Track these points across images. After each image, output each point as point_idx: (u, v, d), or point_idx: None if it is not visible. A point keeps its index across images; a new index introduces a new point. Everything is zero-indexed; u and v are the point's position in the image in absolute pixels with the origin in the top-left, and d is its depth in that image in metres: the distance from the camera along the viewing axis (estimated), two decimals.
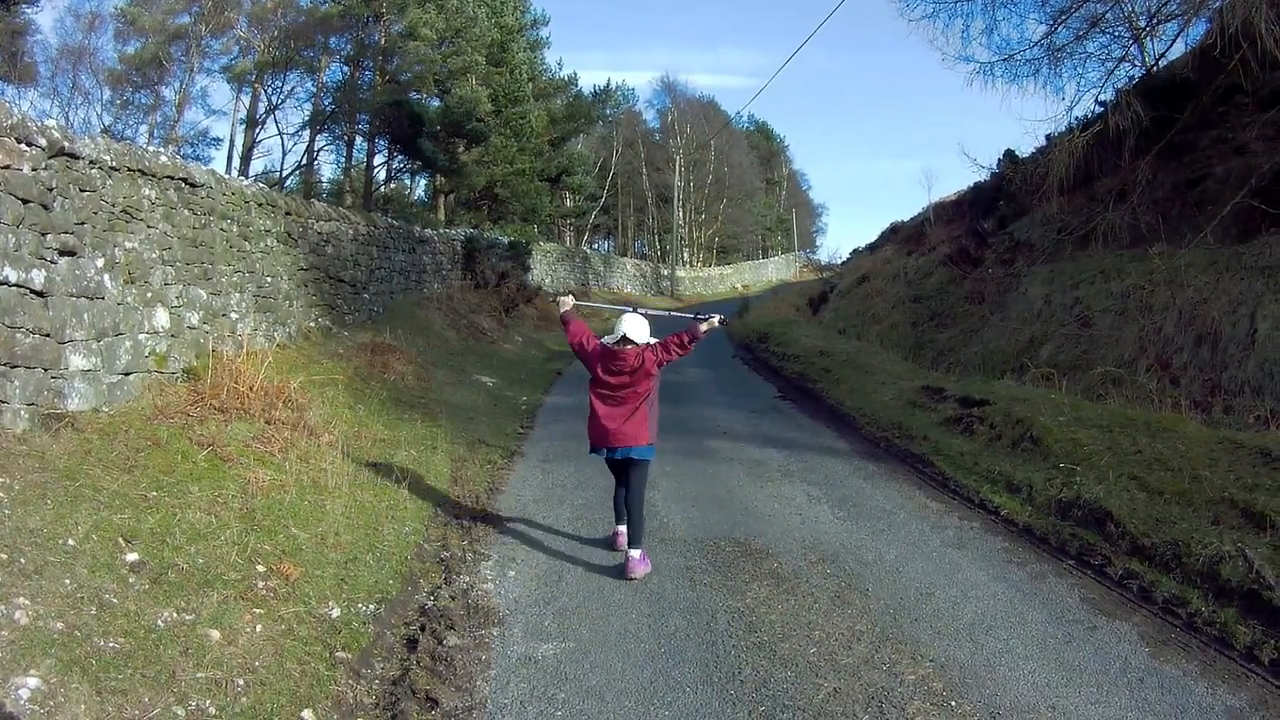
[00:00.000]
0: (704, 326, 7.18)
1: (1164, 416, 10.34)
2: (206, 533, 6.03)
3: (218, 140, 58.28)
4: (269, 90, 33.94)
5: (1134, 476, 8.42)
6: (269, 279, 12.54)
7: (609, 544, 7.51)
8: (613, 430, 6.87)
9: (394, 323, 17.78)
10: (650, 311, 7.80)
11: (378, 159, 34.59)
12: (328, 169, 49.76)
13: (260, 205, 12.52)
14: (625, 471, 7.11)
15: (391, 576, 6.50)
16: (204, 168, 10.89)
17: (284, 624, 5.28)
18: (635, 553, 6.84)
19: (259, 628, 5.11)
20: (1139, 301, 14.66)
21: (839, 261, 65.67)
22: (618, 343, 6.94)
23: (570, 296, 7.73)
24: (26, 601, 4.36)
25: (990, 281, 21.86)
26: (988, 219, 25.73)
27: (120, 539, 5.42)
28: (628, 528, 6.99)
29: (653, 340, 7.02)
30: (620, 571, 6.77)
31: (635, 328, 6.95)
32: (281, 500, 7.14)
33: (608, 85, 48.50)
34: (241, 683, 4.52)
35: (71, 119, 30.75)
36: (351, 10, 30.03)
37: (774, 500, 8.99)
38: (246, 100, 34.04)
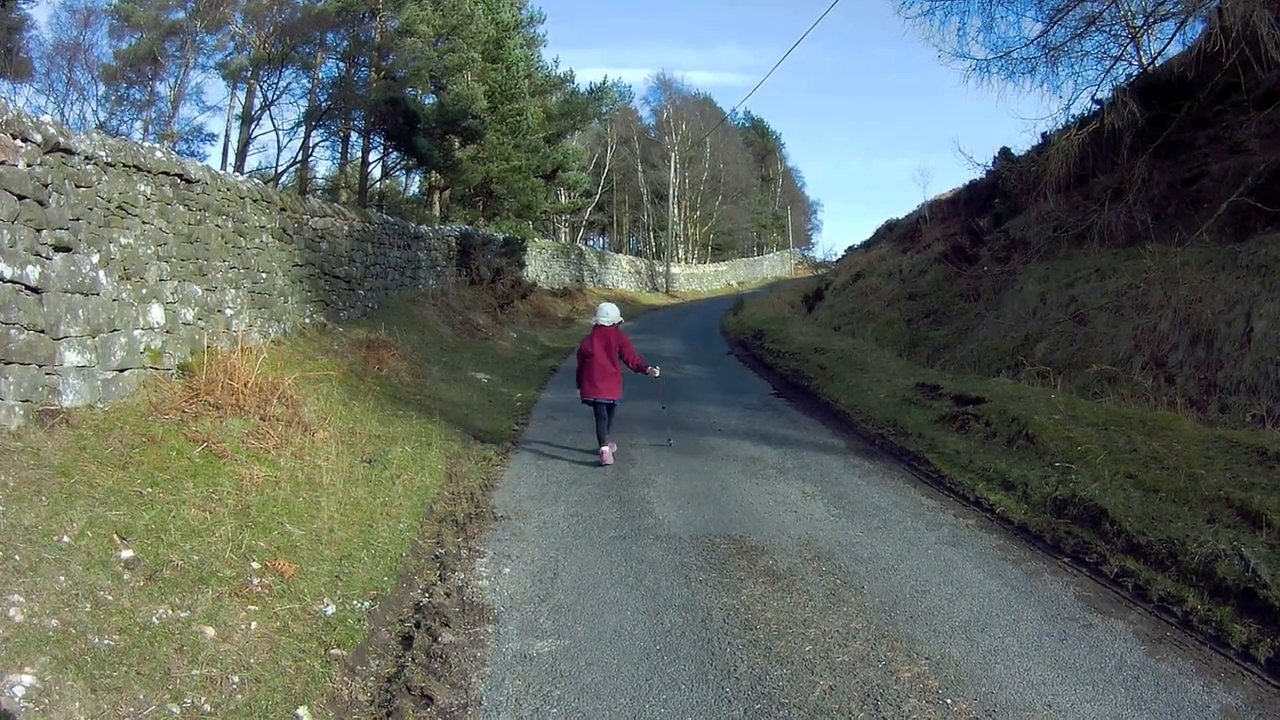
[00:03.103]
0: (649, 370, 11.07)
1: (1159, 415, 10.36)
2: (201, 529, 6.02)
3: (213, 136, 58.16)
4: (264, 86, 33.80)
5: (1129, 474, 8.43)
6: (264, 275, 12.52)
7: (597, 461, 10.60)
8: (600, 387, 10.63)
9: (389, 319, 17.76)
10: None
11: (373, 155, 34.45)
12: (323, 165, 49.86)
13: (255, 201, 12.49)
14: (604, 410, 10.73)
15: (386, 573, 6.49)
16: (199, 164, 10.85)
17: (279, 621, 5.27)
18: (606, 448, 10.64)
19: (254, 625, 5.11)
20: (1134, 299, 14.67)
21: (834, 259, 65.73)
22: (597, 326, 10.88)
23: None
24: (21, 599, 4.35)
25: (986, 279, 21.87)
26: (983, 217, 25.75)
27: (115, 536, 5.41)
28: (603, 434, 10.71)
29: (621, 322, 11.08)
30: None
31: (605, 313, 10.96)
32: (276, 497, 7.13)
33: (604, 82, 48.28)
34: (236, 680, 4.52)
35: (67, 115, 30.66)
36: (348, 6, 29.90)
37: (769, 497, 8.99)
38: (242, 96, 33.91)
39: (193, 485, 6.68)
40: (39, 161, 6.91)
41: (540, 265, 39.21)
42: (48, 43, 31.36)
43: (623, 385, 10.88)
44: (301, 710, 4.45)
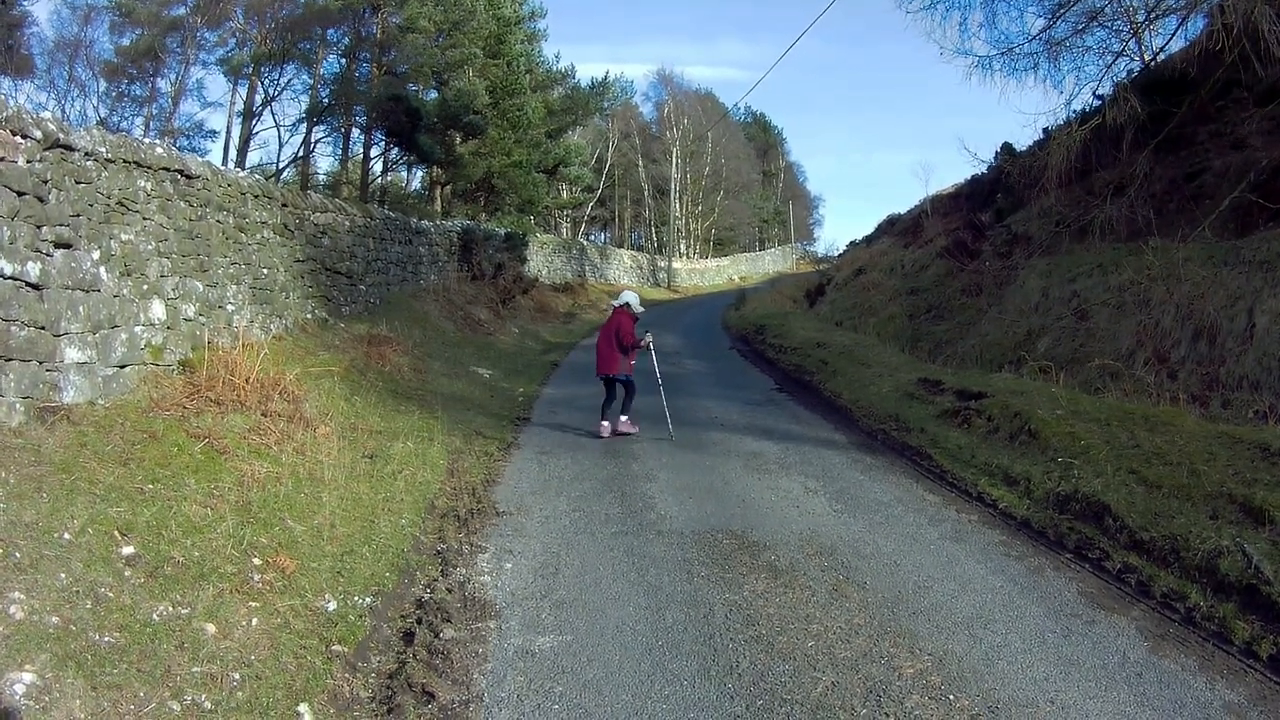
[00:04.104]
0: (641, 344, 11.90)
1: (1162, 410, 10.33)
2: (202, 525, 6.02)
3: (214, 132, 57.88)
4: (266, 82, 33.74)
5: (1132, 470, 8.41)
6: (265, 271, 12.52)
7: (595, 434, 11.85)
8: (601, 362, 11.94)
9: (390, 314, 17.77)
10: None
11: (374, 151, 34.43)
12: (324, 161, 49.76)
13: (256, 197, 12.49)
14: (612, 385, 11.97)
15: (388, 569, 6.48)
16: (200, 159, 10.85)
17: (280, 617, 5.26)
18: (624, 418, 11.94)
19: (255, 621, 5.10)
20: (1136, 295, 14.64)
21: (836, 254, 65.72)
22: (614, 306, 12.35)
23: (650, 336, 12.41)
24: (22, 596, 4.35)
25: (987, 274, 21.84)
26: (985, 211, 25.72)
27: (116, 532, 5.40)
28: (623, 408, 11.96)
29: (638, 311, 12.14)
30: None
31: (621, 297, 12.38)
32: (278, 493, 7.12)
33: (605, 77, 48.26)
34: (237, 677, 4.51)
35: (67, 111, 30.55)
36: (349, 3, 29.88)
37: (771, 492, 8.98)
38: (243, 92, 33.88)
39: (194, 481, 6.68)
40: (39, 158, 6.91)
41: (542, 260, 39.21)
42: (49, 39, 31.28)
43: (623, 362, 11.89)
44: (302, 707, 4.44)
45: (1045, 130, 20.32)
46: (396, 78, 30.97)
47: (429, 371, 15.37)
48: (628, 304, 12.15)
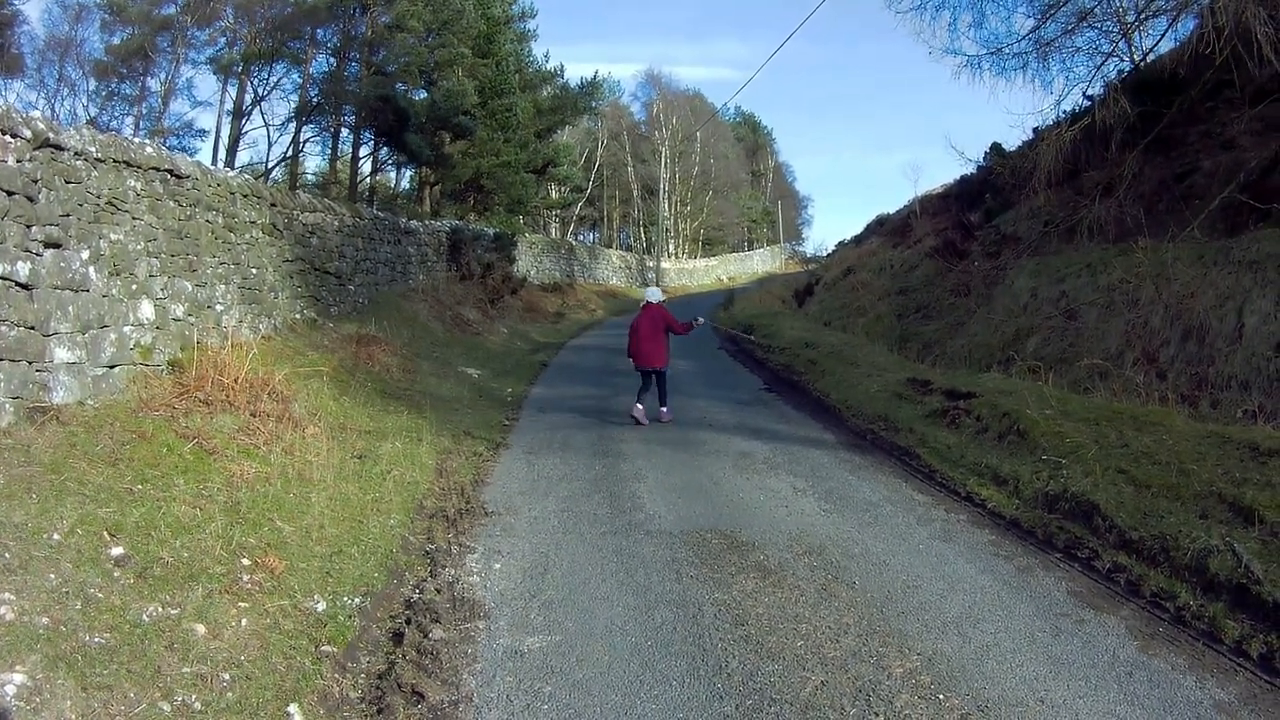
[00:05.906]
0: (694, 324, 13.32)
1: (1151, 410, 10.35)
2: (191, 526, 6.00)
3: (203, 132, 58.04)
4: (255, 82, 33.68)
5: (1121, 470, 8.42)
6: (254, 270, 12.49)
7: (632, 422, 12.51)
8: (646, 353, 12.67)
9: (379, 314, 17.73)
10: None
11: (363, 150, 34.35)
12: (313, 161, 49.67)
13: (246, 196, 12.46)
14: (651, 377, 12.73)
15: (377, 569, 6.47)
16: (189, 159, 10.81)
17: (269, 618, 5.25)
18: (664, 408, 12.79)
19: (244, 621, 5.09)
20: (1125, 295, 14.67)
21: (824, 254, 65.73)
22: (646, 304, 13.12)
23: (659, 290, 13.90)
24: (11, 597, 4.33)
25: (976, 274, 21.86)
26: (974, 212, 25.74)
27: (105, 533, 5.39)
28: (660, 397, 12.80)
29: (665, 299, 13.28)
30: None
31: (652, 294, 13.46)
32: (266, 493, 7.10)
33: (595, 77, 48.32)
34: (227, 677, 4.50)
35: (57, 110, 30.44)
36: (339, 1, 29.83)
37: (760, 492, 8.99)
38: (233, 92, 33.79)
39: (183, 482, 6.66)
40: (29, 157, 6.89)
41: (531, 260, 39.18)
42: (40, 38, 31.19)
43: (668, 354, 12.93)
44: (292, 707, 4.43)
45: (1035, 130, 20.38)
46: (385, 77, 30.89)
47: (418, 371, 15.35)
48: (662, 301, 13.33)
